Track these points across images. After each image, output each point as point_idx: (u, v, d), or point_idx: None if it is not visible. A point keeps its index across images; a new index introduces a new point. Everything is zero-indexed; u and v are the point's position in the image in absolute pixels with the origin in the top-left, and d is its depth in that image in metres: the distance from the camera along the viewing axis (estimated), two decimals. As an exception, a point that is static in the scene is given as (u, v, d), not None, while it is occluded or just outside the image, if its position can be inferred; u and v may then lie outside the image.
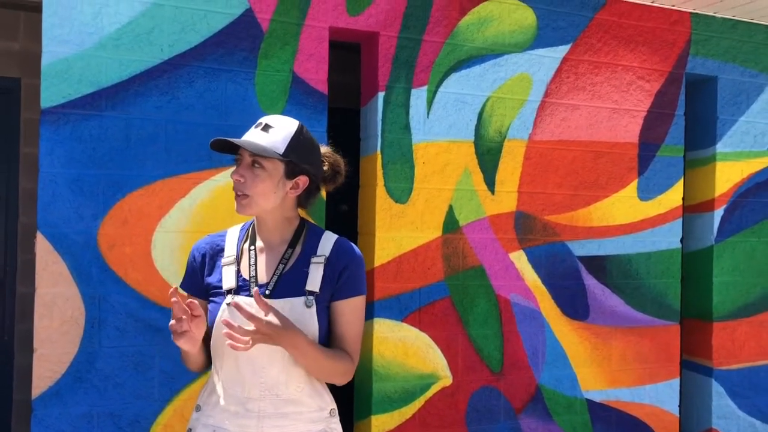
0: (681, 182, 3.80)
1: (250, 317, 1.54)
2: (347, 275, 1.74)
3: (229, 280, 1.72)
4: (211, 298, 1.75)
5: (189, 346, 1.59)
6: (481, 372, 3.38)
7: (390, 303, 3.20)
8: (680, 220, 3.80)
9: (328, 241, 1.78)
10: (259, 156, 1.69)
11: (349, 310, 1.75)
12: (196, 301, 1.57)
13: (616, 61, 3.66)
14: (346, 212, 4.46)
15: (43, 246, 2.70)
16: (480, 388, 3.38)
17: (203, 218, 2.91)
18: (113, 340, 2.80)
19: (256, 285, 1.70)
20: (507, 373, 3.43)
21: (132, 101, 2.83)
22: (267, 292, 1.69)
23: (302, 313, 1.67)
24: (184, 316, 1.56)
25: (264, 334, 1.56)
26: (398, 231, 3.22)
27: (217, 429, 1.70)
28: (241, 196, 1.70)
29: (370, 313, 3.20)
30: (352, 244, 1.81)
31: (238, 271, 1.74)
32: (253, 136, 1.71)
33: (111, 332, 2.79)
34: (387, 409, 3.20)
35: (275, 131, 1.70)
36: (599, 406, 3.62)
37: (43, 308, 2.71)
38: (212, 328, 1.71)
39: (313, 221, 1.90)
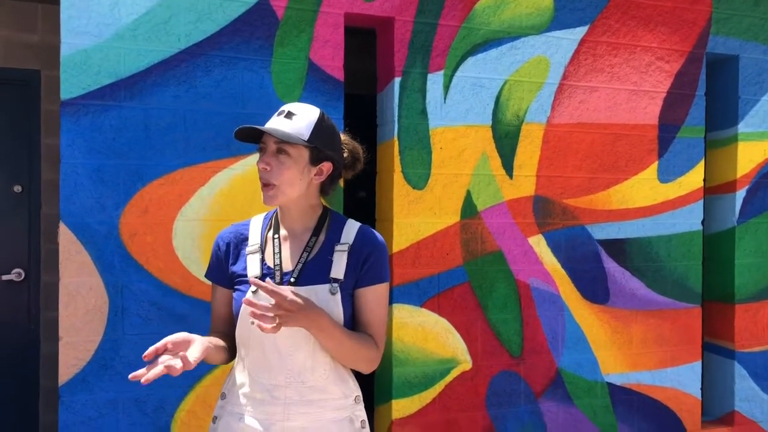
0: (702, 163, 3.76)
1: (271, 292, 1.52)
2: (371, 262, 1.75)
3: (253, 269, 1.73)
4: (236, 287, 1.77)
5: (193, 363, 1.54)
6: (500, 356, 3.39)
7: (409, 289, 3.21)
8: (701, 202, 3.76)
9: (352, 228, 1.79)
10: (284, 143, 1.69)
11: (374, 297, 1.76)
12: (170, 342, 1.53)
13: (635, 41, 3.62)
14: (364, 199, 4.46)
15: (66, 236, 2.74)
16: (500, 372, 3.39)
17: (222, 207, 2.93)
18: (137, 328, 2.84)
19: (281, 273, 1.71)
20: (527, 357, 3.43)
21: (150, 91, 2.85)
22: (292, 279, 1.70)
23: (327, 300, 1.68)
24: (168, 359, 1.50)
25: (287, 310, 1.54)
26: (416, 217, 3.23)
27: (243, 416, 1.71)
28: (268, 186, 1.69)
29: (389, 299, 3.21)
30: (376, 231, 1.81)
31: (263, 260, 1.75)
32: (277, 124, 1.71)
33: (134, 320, 2.83)
34: (407, 394, 3.22)
35: (298, 118, 1.71)
36: (620, 389, 3.61)
37: (67, 297, 2.75)
38: (237, 316, 1.73)
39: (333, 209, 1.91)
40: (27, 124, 4.02)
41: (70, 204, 2.75)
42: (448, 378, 3.29)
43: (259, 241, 1.78)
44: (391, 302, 3.20)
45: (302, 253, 1.74)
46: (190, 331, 2.80)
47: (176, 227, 2.88)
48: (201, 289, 2.89)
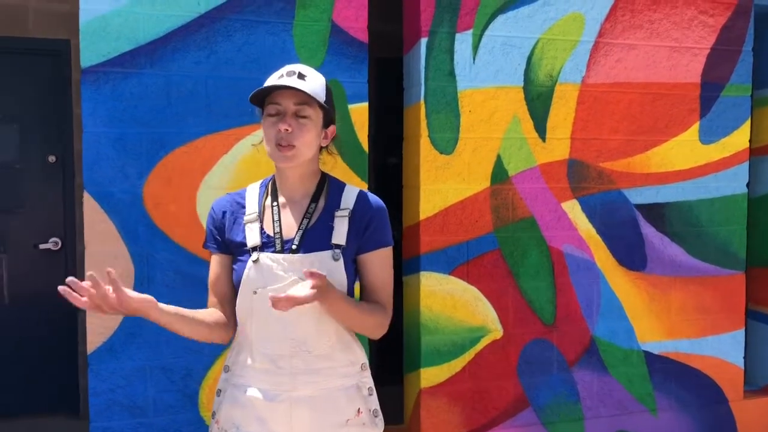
0: (748, 123, 3.57)
1: (311, 274, 1.50)
2: (374, 227, 1.71)
3: (253, 238, 1.69)
4: (235, 257, 1.73)
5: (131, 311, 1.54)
6: (533, 324, 3.31)
7: (437, 256, 3.14)
8: (746, 164, 3.58)
9: (351, 193, 1.75)
10: (304, 105, 1.64)
11: (378, 261, 1.73)
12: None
13: (676, -5, 3.43)
14: (394, 165, 4.39)
15: (90, 205, 2.74)
16: (532, 341, 3.31)
17: (246, 174, 2.89)
18: (162, 297, 2.79)
19: (281, 241, 1.67)
20: (560, 325, 3.35)
21: (171, 57, 2.80)
22: (293, 247, 1.66)
23: (330, 267, 1.64)
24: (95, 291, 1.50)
25: (322, 290, 1.52)
26: (444, 183, 3.14)
27: (249, 388, 1.68)
28: (287, 147, 1.64)
29: (416, 267, 3.15)
30: (375, 196, 1.78)
31: (262, 228, 1.71)
32: (294, 84, 1.64)
33: (160, 289, 2.83)
34: (436, 362, 3.17)
35: (311, 79, 1.67)
36: (657, 358, 3.51)
37: (93, 266, 2.75)
38: (238, 286, 1.69)
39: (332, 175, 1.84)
40: (59, 94, 4.03)
41: (93, 173, 2.74)
42: (478, 346, 3.23)
43: (257, 209, 1.73)
44: (418, 270, 3.14)
45: (302, 219, 1.70)
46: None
47: (200, 196, 2.86)
48: (226, 257, 2.87)
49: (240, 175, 2.88)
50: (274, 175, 1.78)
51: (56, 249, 4.06)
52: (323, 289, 1.53)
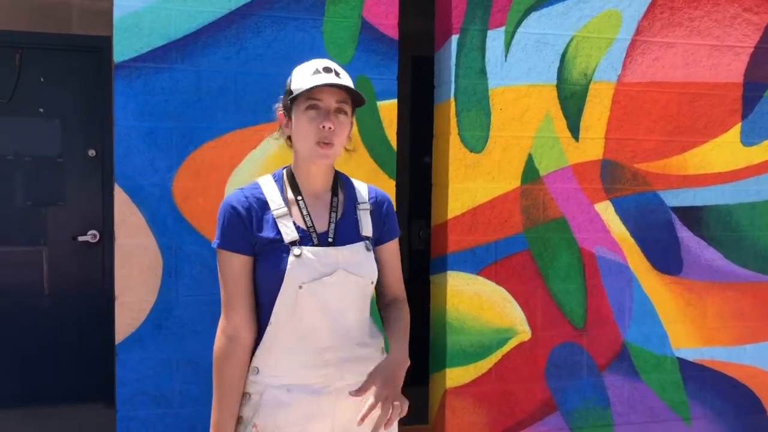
0: (792, 125, 3.45)
1: (383, 396, 1.57)
2: (390, 219, 1.81)
3: (290, 233, 1.66)
4: (266, 253, 1.68)
5: None
6: (562, 327, 3.25)
7: (464, 256, 3.11)
8: (790, 167, 3.46)
9: (362, 187, 1.82)
10: (344, 102, 1.68)
11: (393, 251, 1.83)
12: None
13: (718, -8, 3.33)
14: (428, 164, 4.36)
15: (120, 198, 2.79)
16: (561, 344, 3.25)
17: (274, 169, 2.89)
18: (190, 289, 2.88)
19: (316, 234, 1.68)
20: (590, 328, 3.28)
21: (201, 53, 2.84)
22: (330, 239, 1.69)
23: (365, 257, 1.71)
24: None
25: (392, 382, 1.60)
26: (473, 182, 3.11)
27: (291, 387, 1.66)
28: (327, 145, 1.65)
29: (443, 266, 3.12)
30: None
31: (293, 222, 1.70)
32: (339, 81, 1.65)
33: (188, 281, 2.86)
34: (462, 363, 3.14)
35: (345, 76, 1.69)
36: (692, 365, 3.41)
37: (122, 258, 2.81)
38: (277, 281, 1.64)
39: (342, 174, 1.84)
40: (99, 89, 4.12)
41: (124, 166, 2.79)
42: (506, 348, 3.19)
43: (284, 204, 1.71)
44: (445, 269, 3.11)
45: (330, 213, 1.72)
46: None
47: (228, 190, 2.88)
48: (252, 252, 2.89)
49: (268, 169, 2.89)
50: (286, 168, 1.78)
51: (94, 242, 4.15)
52: (392, 380, 1.60)
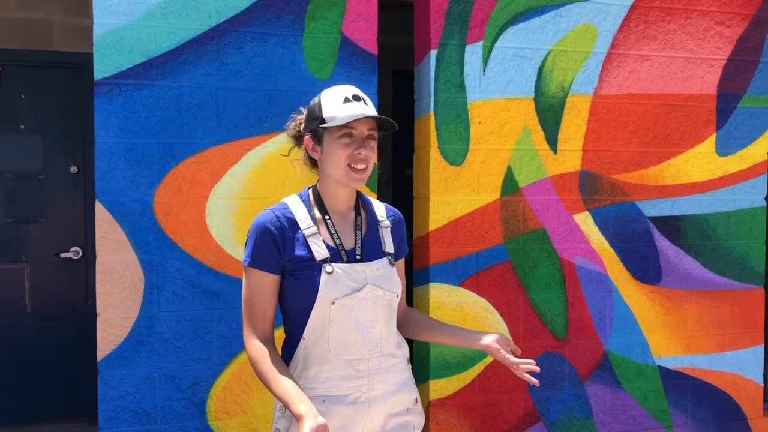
0: (766, 135, 3.51)
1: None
2: (404, 237, 1.93)
3: (321, 251, 1.73)
4: (297, 271, 1.74)
5: None
6: (543, 337, 3.28)
7: (446, 268, 3.14)
8: (765, 176, 3.52)
9: (379, 205, 1.92)
10: (373, 129, 1.76)
11: (402, 267, 1.95)
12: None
13: (691, 6, 3.39)
14: (410, 176, 4.40)
15: (102, 215, 2.79)
16: (543, 354, 3.28)
17: (255, 185, 2.92)
18: (172, 305, 2.88)
19: (345, 251, 1.76)
20: (572, 338, 3.31)
21: (182, 69, 2.85)
22: (357, 256, 1.78)
23: (391, 273, 1.81)
24: None
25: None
26: (453, 194, 3.14)
27: (326, 398, 1.73)
28: (362, 171, 1.74)
29: (425, 278, 3.15)
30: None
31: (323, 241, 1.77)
32: (367, 111, 1.73)
33: (169, 297, 2.87)
34: (445, 374, 3.16)
35: (370, 104, 1.77)
36: (673, 373, 3.44)
37: (103, 275, 2.81)
38: (310, 297, 1.71)
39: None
40: (81, 106, 4.13)
41: (105, 183, 2.80)
42: (488, 359, 3.21)
43: (313, 223, 1.77)
44: (427, 281, 3.13)
45: (355, 231, 1.81)
46: (224, 309, 2.83)
47: (209, 206, 2.89)
48: (234, 267, 2.90)
49: (249, 185, 2.91)
50: (311, 188, 1.84)
51: (77, 258, 4.14)
52: (505, 338, 1.91)
